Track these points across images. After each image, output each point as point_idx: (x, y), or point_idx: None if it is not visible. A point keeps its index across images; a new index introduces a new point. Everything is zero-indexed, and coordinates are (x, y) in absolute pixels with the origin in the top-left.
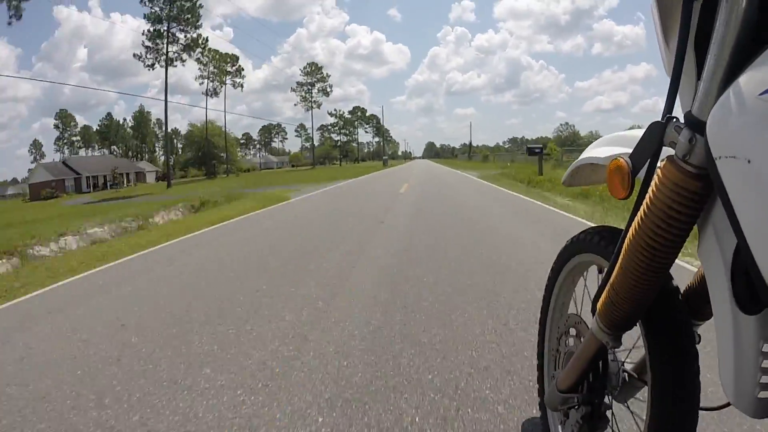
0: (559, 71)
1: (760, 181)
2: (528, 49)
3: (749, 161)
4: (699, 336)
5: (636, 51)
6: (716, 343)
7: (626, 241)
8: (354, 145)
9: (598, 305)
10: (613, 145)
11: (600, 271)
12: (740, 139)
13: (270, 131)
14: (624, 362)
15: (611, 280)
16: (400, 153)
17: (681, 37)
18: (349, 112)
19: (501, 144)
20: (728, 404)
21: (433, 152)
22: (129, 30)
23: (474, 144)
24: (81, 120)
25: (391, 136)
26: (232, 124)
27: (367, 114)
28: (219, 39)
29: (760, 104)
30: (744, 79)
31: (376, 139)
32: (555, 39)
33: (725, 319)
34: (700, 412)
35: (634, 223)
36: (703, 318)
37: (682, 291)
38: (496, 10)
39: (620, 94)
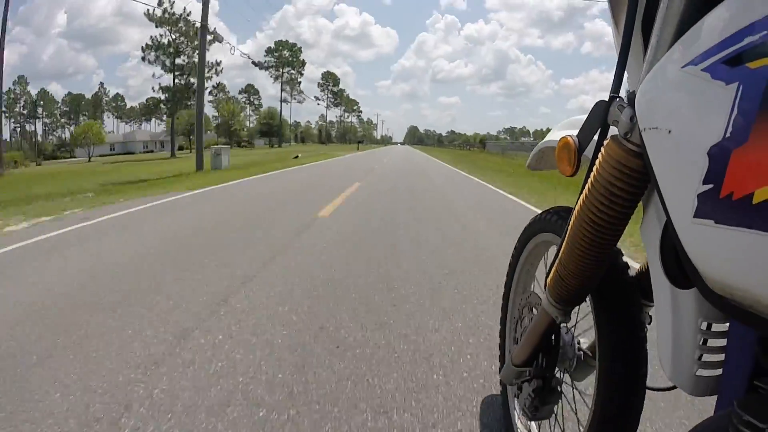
0: (546, 67)
1: (678, 151)
2: (518, 42)
3: (669, 131)
4: (650, 317)
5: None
6: (655, 320)
7: (573, 217)
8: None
9: (548, 280)
10: (571, 128)
11: None
12: (663, 110)
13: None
14: (579, 341)
15: (560, 255)
16: (379, 137)
17: (628, 17)
18: (322, 80)
19: (494, 133)
20: (675, 386)
21: (416, 138)
22: None
23: (446, 133)
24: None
25: (359, 110)
26: None
27: (336, 88)
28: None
29: (683, 76)
30: (671, 53)
31: (350, 118)
32: (546, 34)
33: (663, 296)
34: (648, 392)
35: (580, 200)
36: None
37: (635, 272)
38: (488, 0)
39: (605, 95)
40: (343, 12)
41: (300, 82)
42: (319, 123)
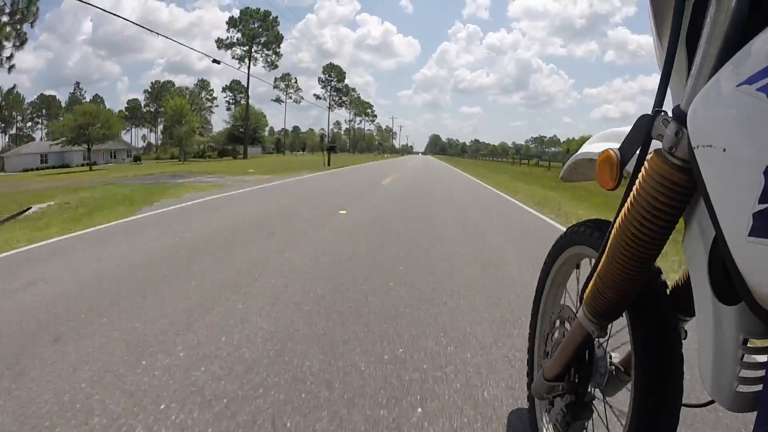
0: (569, 76)
1: (734, 170)
2: (540, 51)
3: (725, 150)
4: (686, 332)
5: (649, 61)
6: (697, 335)
7: (613, 231)
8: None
9: (585, 294)
10: (609, 140)
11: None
12: (717, 128)
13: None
14: (611, 355)
15: (598, 269)
16: (398, 146)
17: (672, 33)
18: (323, 73)
19: (523, 143)
20: (711, 401)
21: (437, 147)
22: (135, 4)
23: (470, 143)
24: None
25: (373, 114)
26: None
27: (341, 84)
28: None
29: (738, 95)
30: (724, 72)
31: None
32: (568, 43)
33: (706, 311)
34: (683, 409)
35: (621, 214)
36: (691, 314)
37: (670, 286)
38: (510, 9)
39: (629, 104)
40: (366, 21)
41: (276, 65)
42: (333, 129)
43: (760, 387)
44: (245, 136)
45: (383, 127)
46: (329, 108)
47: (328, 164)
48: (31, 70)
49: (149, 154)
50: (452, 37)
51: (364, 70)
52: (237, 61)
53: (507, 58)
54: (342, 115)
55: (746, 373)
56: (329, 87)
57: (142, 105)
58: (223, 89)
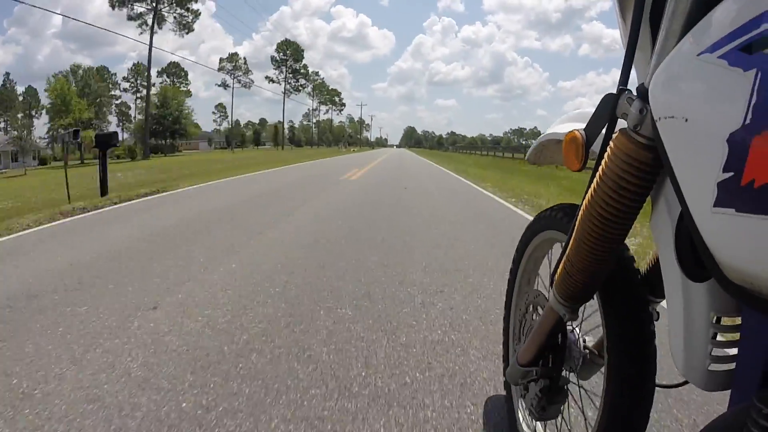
0: (543, 69)
1: (696, 139)
2: (515, 44)
3: (686, 120)
4: (658, 314)
5: (623, 54)
6: (667, 316)
7: (580, 212)
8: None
9: (555, 277)
10: (575, 121)
11: None
12: (679, 99)
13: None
14: (585, 339)
15: (567, 252)
16: (372, 138)
17: (636, 10)
18: (276, 51)
19: (502, 134)
20: (685, 382)
21: (413, 140)
22: None
23: (446, 135)
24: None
25: (341, 103)
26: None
27: (298, 65)
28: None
29: (699, 64)
30: (685, 42)
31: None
32: (543, 36)
33: (675, 290)
34: (657, 390)
35: (588, 194)
36: (662, 296)
37: (641, 269)
38: (486, 2)
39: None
40: (340, 13)
41: (191, 28)
42: (303, 121)
43: (732, 365)
44: (145, 127)
45: (355, 119)
46: (284, 93)
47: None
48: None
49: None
50: (428, 30)
51: (339, 63)
52: (136, 24)
53: (482, 51)
54: (309, 104)
55: (718, 351)
56: (284, 68)
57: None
58: (160, 72)
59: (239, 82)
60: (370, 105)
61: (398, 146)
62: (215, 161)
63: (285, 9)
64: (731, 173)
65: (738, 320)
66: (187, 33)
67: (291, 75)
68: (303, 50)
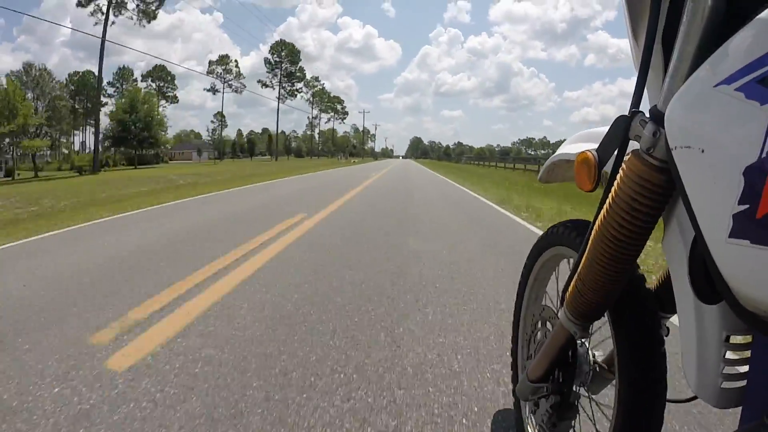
0: (549, 79)
1: (712, 170)
2: (521, 54)
3: (702, 151)
4: (668, 329)
5: (629, 64)
6: (679, 334)
7: (593, 232)
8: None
9: (566, 296)
10: (586, 140)
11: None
12: (695, 129)
13: None
14: (594, 354)
15: (578, 270)
16: (378, 149)
17: (649, 32)
18: (270, 53)
19: (510, 145)
20: (696, 397)
21: (419, 151)
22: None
23: (453, 145)
24: None
25: (343, 111)
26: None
27: (294, 67)
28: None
29: (716, 95)
30: (702, 71)
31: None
32: (549, 46)
33: (687, 310)
34: (668, 405)
35: (600, 215)
36: (672, 311)
37: (651, 285)
38: (492, 13)
39: (608, 107)
40: (347, 24)
41: (154, 15)
42: (307, 131)
43: (744, 383)
44: (95, 136)
45: (360, 129)
46: (279, 99)
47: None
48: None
49: None
50: (434, 41)
51: (345, 74)
52: (88, 12)
53: (488, 61)
54: (309, 112)
55: (730, 369)
56: (279, 70)
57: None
58: (144, 75)
59: (230, 87)
60: (377, 116)
61: (404, 157)
62: (158, 178)
63: (292, 20)
64: (747, 206)
65: (749, 338)
66: (149, 23)
67: (286, 78)
68: (299, 51)
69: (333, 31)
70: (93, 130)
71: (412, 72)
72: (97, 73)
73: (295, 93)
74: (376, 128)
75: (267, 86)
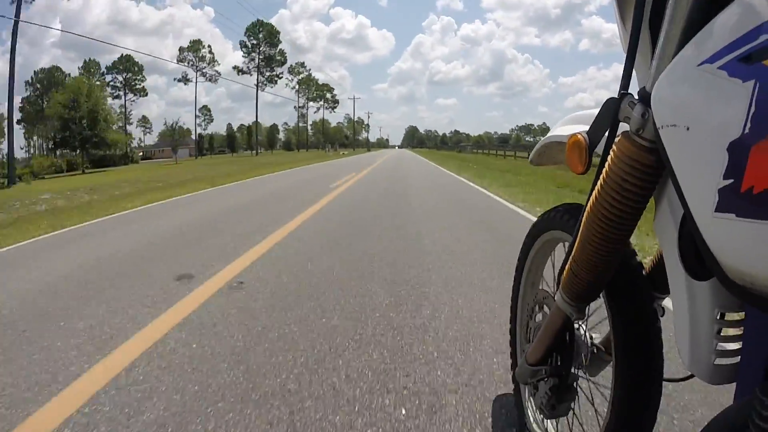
0: (544, 65)
1: (697, 147)
2: (515, 41)
3: (688, 128)
4: (663, 309)
5: (624, 59)
6: (673, 312)
7: (585, 214)
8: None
9: (562, 278)
10: (577, 123)
11: None
12: (680, 107)
13: None
14: (592, 335)
15: (572, 252)
16: (373, 139)
17: (636, 14)
18: (246, 35)
19: (508, 132)
20: (692, 376)
21: (415, 140)
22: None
23: (450, 133)
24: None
25: (333, 100)
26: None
27: (274, 51)
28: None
29: (699, 73)
30: (686, 51)
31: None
32: (543, 33)
33: (680, 288)
34: (665, 384)
35: (592, 197)
36: (667, 292)
37: (645, 266)
38: (485, 0)
39: (603, 92)
40: (339, 15)
41: None
42: (299, 123)
43: (737, 359)
44: (8, 136)
45: (355, 119)
46: (257, 86)
47: None
48: None
49: None
50: (427, 30)
51: (338, 65)
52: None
53: (482, 49)
54: (297, 100)
55: (723, 345)
56: (256, 55)
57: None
58: (109, 69)
59: (204, 76)
60: (372, 106)
61: (400, 147)
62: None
63: (284, 12)
64: (731, 180)
65: (741, 315)
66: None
67: (264, 63)
68: (279, 33)
69: (325, 22)
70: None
71: (406, 61)
72: (54, 68)
73: (275, 79)
74: (368, 117)
75: (244, 72)
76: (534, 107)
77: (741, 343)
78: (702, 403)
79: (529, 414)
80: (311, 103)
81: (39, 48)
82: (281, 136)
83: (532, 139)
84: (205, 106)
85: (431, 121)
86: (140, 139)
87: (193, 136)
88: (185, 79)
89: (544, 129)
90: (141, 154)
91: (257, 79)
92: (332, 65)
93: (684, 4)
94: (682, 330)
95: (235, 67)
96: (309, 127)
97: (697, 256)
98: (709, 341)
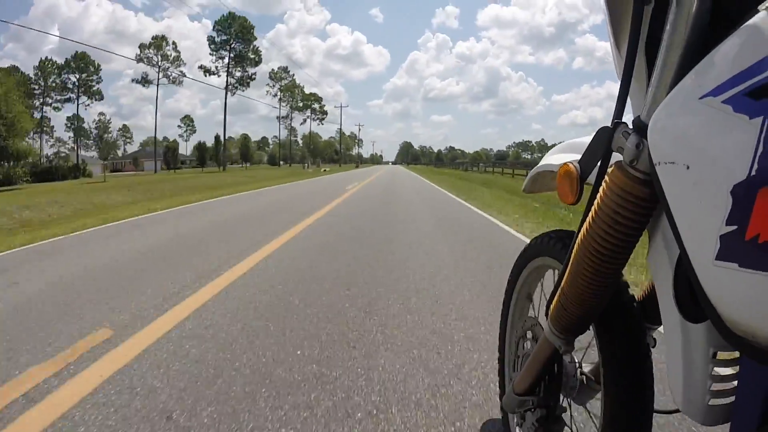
0: (537, 83)
1: (698, 188)
2: (509, 59)
3: (688, 167)
4: (654, 340)
5: (618, 87)
6: (665, 350)
7: (575, 246)
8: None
9: (550, 310)
10: (569, 151)
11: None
12: (680, 144)
13: None
14: (581, 365)
15: (562, 285)
16: (368, 155)
17: (631, 40)
18: (215, 29)
19: (504, 148)
20: None
21: (409, 156)
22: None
23: (445, 150)
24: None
25: (321, 111)
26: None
27: (246, 49)
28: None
29: (701, 107)
30: (687, 82)
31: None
32: (537, 51)
33: (673, 327)
34: (655, 415)
35: (584, 228)
36: (659, 323)
37: (637, 295)
38: (480, 18)
39: (596, 110)
40: (335, 31)
41: None
42: (290, 137)
43: (731, 399)
44: None
45: (348, 134)
46: (226, 88)
47: None
48: None
49: None
50: (422, 47)
51: (334, 81)
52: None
53: (476, 66)
54: (286, 110)
55: (717, 386)
56: (228, 51)
57: None
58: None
59: (167, 77)
60: (366, 122)
61: (394, 162)
62: None
63: (281, 27)
64: (735, 227)
65: (736, 354)
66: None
67: (234, 62)
68: (253, 27)
69: (321, 37)
70: None
71: (401, 78)
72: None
73: (247, 81)
74: (359, 129)
75: (211, 73)
76: (528, 124)
77: (736, 382)
78: None
79: None
80: (297, 114)
81: (37, 54)
82: (270, 149)
83: (530, 157)
84: (187, 116)
85: (426, 137)
86: (124, 149)
87: (175, 147)
88: (145, 81)
89: (542, 146)
90: (102, 165)
91: (227, 81)
92: (328, 81)
93: (682, 30)
94: (675, 369)
95: (201, 67)
96: (299, 141)
97: (693, 299)
98: (703, 381)
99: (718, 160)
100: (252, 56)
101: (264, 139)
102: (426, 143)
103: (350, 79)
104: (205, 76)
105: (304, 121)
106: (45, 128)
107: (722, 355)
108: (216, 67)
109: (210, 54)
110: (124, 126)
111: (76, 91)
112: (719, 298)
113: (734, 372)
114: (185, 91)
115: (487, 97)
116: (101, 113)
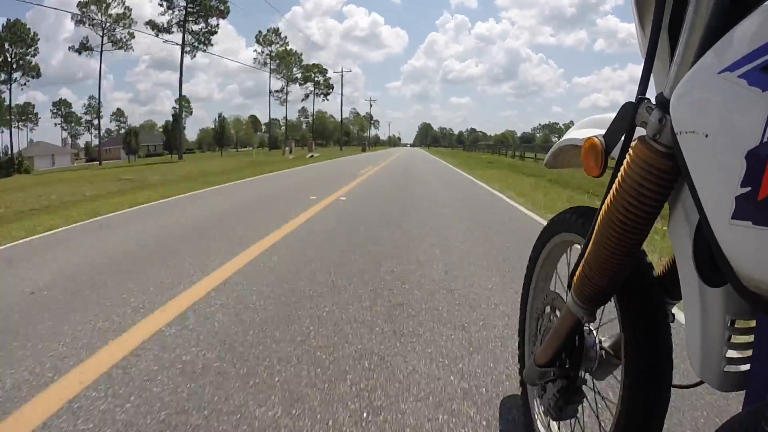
0: (558, 65)
1: (715, 155)
2: (529, 40)
3: (706, 135)
4: (673, 315)
5: (639, 50)
6: (684, 317)
7: (599, 217)
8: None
9: (574, 280)
10: (592, 126)
11: None
12: (699, 114)
13: None
14: (601, 339)
15: (586, 255)
16: (385, 137)
17: (655, 20)
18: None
19: (530, 131)
20: (700, 382)
21: (429, 138)
22: None
23: (466, 131)
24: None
25: (326, 86)
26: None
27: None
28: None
29: (720, 81)
30: (707, 58)
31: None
32: (558, 32)
33: (692, 294)
34: (673, 390)
35: (607, 200)
36: (678, 297)
37: (657, 270)
38: None
39: (618, 93)
40: (352, 12)
41: None
42: (299, 117)
43: (747, 366)
44: None
45: (362, 114)
46: (182, 50)
47: None
48: None
49: None
50: (440, 28)
51: (352, 62)
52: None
53: (496, 47)
54: (279, 83)
55: (733, 353)
56: (186, 13)
57: None
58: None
59: (110, 41)
60: (385, 105)
61: (412, 145)
62: None
63: (297, 9)
64: (749, 188)
65: (752, 323)
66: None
67: (192, 14)
68: None
69: (338, 19)
70: None
71: (419, 59)
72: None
73: (207, 39)
74: (371, 105)
75: (162, 30)
76: (548, 107)
77: (751, 351)
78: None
79: (536, 415)
80: (296, 87)
81: (53, 43)
82: (282, 130)
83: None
84: (183, 96)
85: (444, 119)
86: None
87: (136, 132)
88: (84, 47)
89: (570, 127)
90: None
91: (183, 39)
92: (346, 63)
93: (704, 11)
94: (693, 336)
95: (149, 22)
96: (311, 120)
97: (712, 263)
98: (720, 348)
99: (733, 129)
100: (214, 3)
101: (275, 121)
102: (445, 125)
103: (368, 61)
104: (156, 35)
105: (306, 96)
106: None
107: (739, 323)
108: (168, 23)
109: (159, 4)
110: (118, 110)
111: (8, 67)
112: (735, 256)
113: (750, 340)
114: (202, 75)
115: (507, 79)
116: (91, 96)
